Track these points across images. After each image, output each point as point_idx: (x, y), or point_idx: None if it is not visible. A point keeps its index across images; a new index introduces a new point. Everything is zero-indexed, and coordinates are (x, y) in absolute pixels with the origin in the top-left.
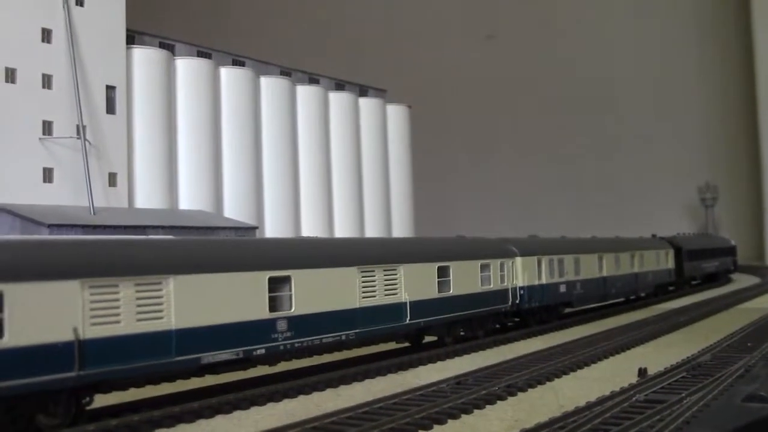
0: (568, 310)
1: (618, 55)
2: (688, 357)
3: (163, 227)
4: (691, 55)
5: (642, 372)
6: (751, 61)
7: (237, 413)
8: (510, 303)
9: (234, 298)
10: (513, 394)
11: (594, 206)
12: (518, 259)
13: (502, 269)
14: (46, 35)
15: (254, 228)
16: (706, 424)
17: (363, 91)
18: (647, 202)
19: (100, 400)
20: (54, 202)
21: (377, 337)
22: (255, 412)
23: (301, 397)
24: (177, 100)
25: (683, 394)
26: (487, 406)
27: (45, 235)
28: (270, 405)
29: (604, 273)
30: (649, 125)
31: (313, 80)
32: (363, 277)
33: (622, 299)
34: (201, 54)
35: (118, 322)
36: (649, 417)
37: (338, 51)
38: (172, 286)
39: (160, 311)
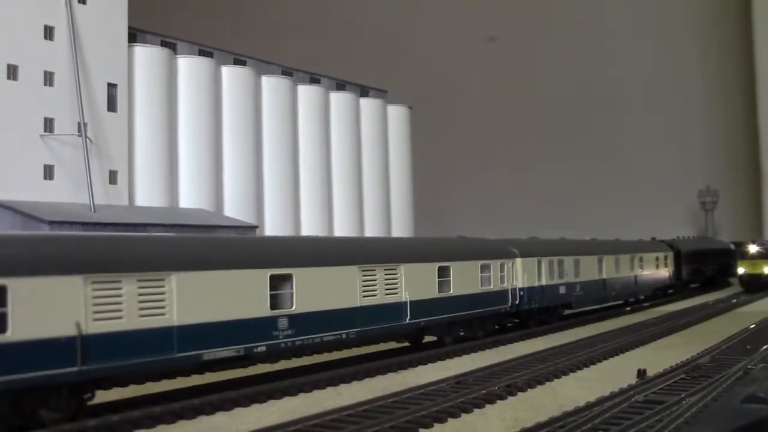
0: (567, 311)
1: (619, 58)
2: (687, 359)
3: (163, 225)
4: (692, 58)
5: (641, 373)
6: (752, 64)
7: (237, 410)
8: (510, 304)
9: (236, 295)
10: (513, 394)
11: (595, 209)
12: (518, 260)
13: (502, 270)
14: (49, 32)
15: (254, 227)
16: (705, 424)
17: (364, 92)
18: (648, 205)
19: (102, 396)
20: (55, 200)
21: (377, 336)
22: (256, 409)
23: (302, 395)
24: (178, 98)
25: (682, 395)
26: (488, 406)
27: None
28: (271, 402)
29: (604, 275)
30: (650, 128)
31: (314, 80)
32: (364, 276)
33: (621, 302)
34: (202, 53)
35: (120, 317)
36: (648, 417)
37: (339, 51)
38: (174, 282)
39: (162, 307)
